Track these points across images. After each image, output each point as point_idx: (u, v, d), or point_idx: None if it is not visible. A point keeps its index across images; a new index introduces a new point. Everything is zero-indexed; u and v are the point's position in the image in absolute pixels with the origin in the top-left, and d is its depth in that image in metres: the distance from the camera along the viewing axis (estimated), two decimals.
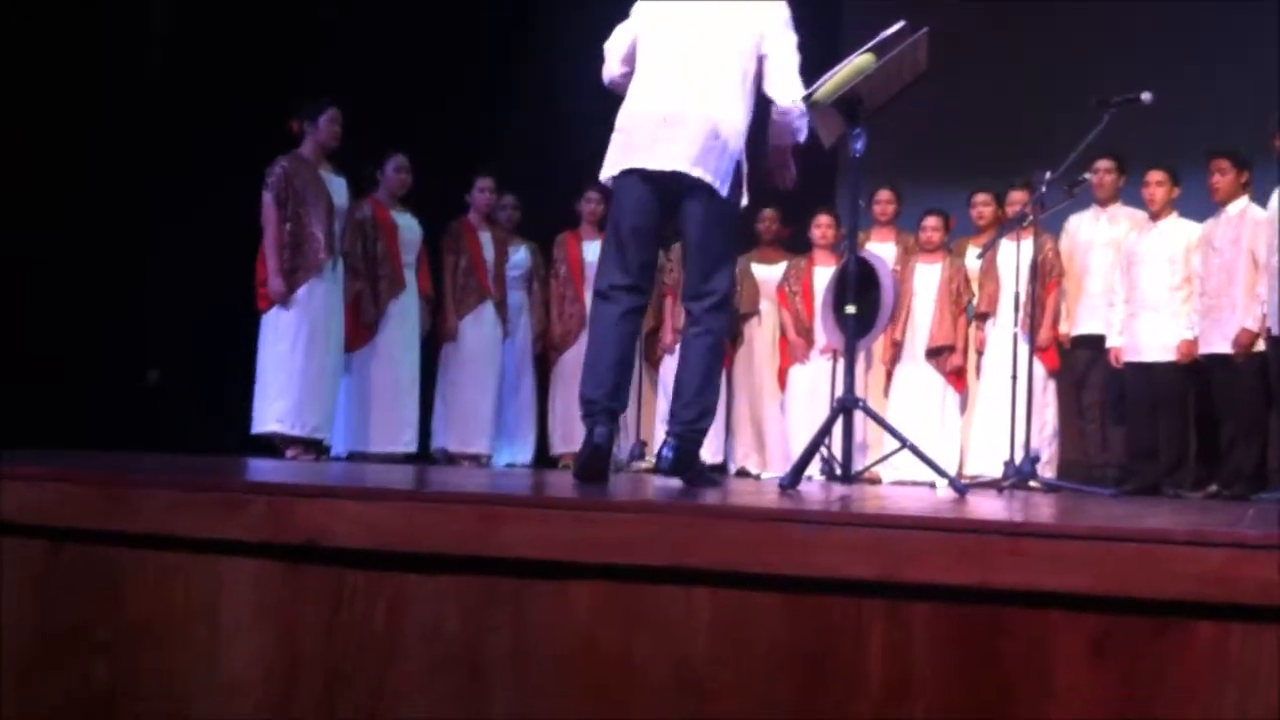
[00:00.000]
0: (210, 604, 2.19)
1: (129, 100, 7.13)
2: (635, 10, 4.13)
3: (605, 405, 3.83)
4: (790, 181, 4.18)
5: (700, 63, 3.90)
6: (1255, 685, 1.74)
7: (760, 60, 3.98)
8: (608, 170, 3.96)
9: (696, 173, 3.82)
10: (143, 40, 7.24)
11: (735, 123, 3.91)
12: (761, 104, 4.04)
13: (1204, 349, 6.80)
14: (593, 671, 2.00)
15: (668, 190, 3.88)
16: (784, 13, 4.03)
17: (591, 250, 7.87)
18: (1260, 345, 6.52)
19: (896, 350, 7.69)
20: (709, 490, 3.55)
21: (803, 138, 4.09)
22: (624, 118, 3.97)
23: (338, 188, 6.84)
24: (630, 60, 4.09)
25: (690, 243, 3.93)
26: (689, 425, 3.86)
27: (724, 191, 3.86)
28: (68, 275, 6.65)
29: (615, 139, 3.97)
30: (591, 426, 3.80)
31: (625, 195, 3.92)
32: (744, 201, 4.00)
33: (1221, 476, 6.80)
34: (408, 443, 7.18)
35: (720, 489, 3.72)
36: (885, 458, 4.70)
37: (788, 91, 3.99)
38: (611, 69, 4.16)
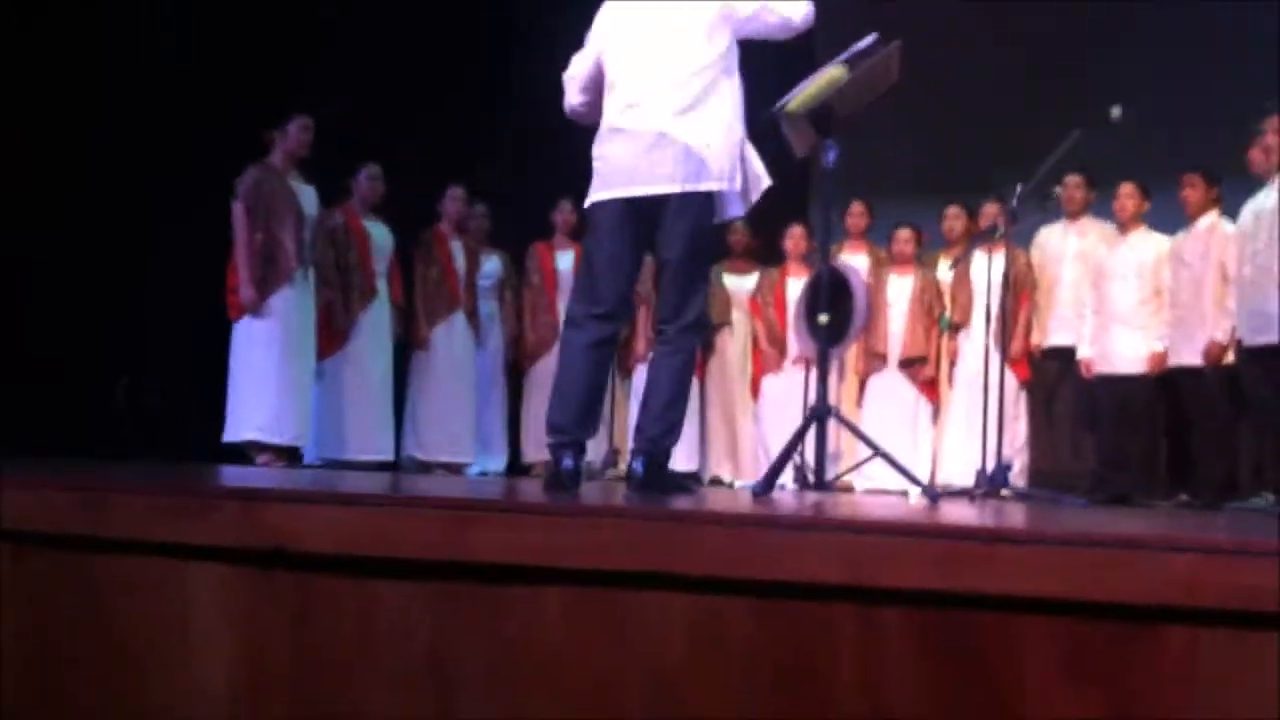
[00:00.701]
0: (180, 610, 2.17)
1: (111, 107, 7.10)
2: (591, 36, 4.03)
3: (573, 436, 3.78)
4: None
5: (674, 74, 3.80)
6: (1226, 690, 1.75)
7: (741, 27, 3.87)
8: (591, 197, 3.90)
9: (682, 188, 3.74)
10: (136, 47, 7.20)
11: (723, 125, 3.81)
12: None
13: (1174, 360, 6.84)
14: (566, 678, 1.99)
15: (650, 214, 3.80)
16: None
17: (564, 259, 7.87)
18: (1229, 357, 6.56)
19: (874, 361, 7.71)
20: (682, 497, 3.53)
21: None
22: (602, 144, 3.89)
23: (307, 197, 6.81)
24: (590, 89, 4.00)
25: (672, 262, 3.84)
26: (656, 442, 3.82)
27: (736, 186, 3.82)
28: (40, 283, 6.61)
29: (596, 166, 3.89)
30: (559, 459, 3.75)
31: (603, 222, 3.84)
32: (766, 183, 3.92)
33: (1192, 486, 6.83)
34: (381, 450, 7.16)
35: (694, 496, 3.71)
36: (858, 465, 4.72)
37: (796, 10, 3.89)
38: (571, 99, 4.08)
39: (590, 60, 4.00)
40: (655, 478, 3.79)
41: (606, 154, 3.87)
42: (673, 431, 3.86)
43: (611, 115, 3.89)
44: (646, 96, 3.81)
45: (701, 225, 3.82)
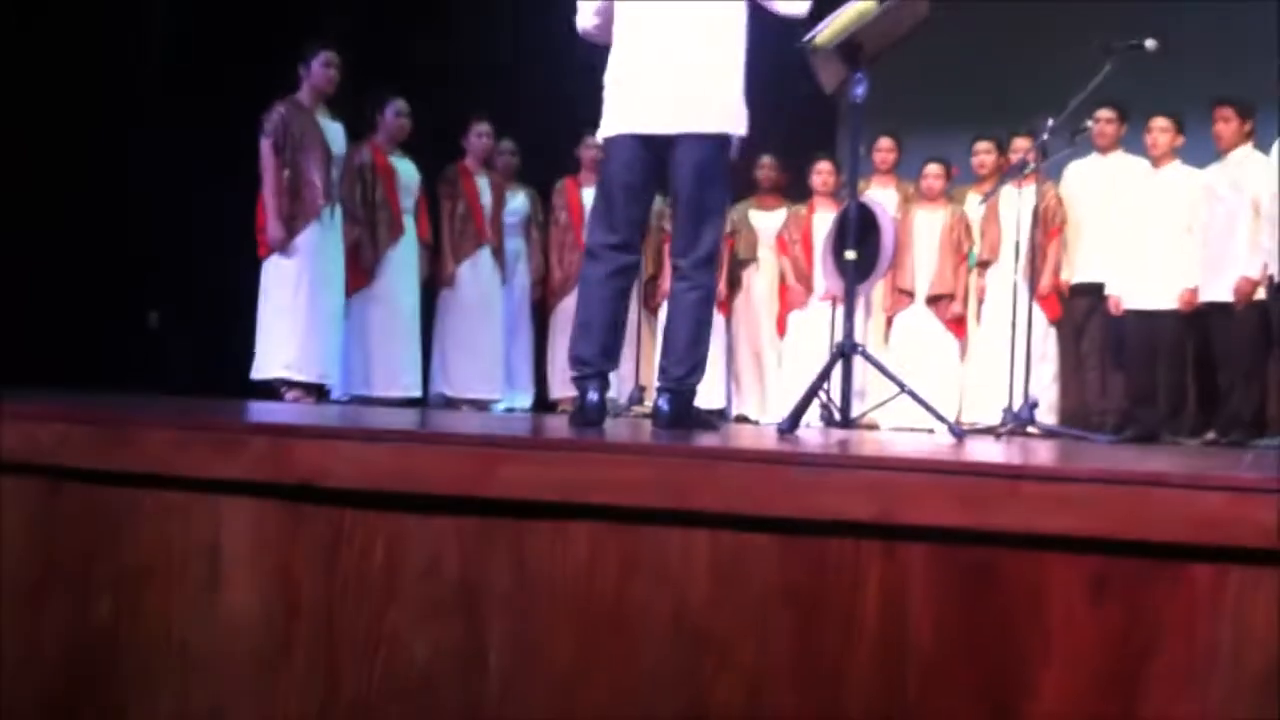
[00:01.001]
0: (210, 543, 2.19)
1: (134, 36, 7.10)
2: None
3: (597, 368, 3.82)
4: None
5: (676, 13, 3.83)
6: (1252, 628, 1.75)
7: None
8: (604, 131, 3.94)
9: (696, 128, 3.78)
10: None
11: (725, 63, 3.85)
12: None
13: (1204, 297, 6.79)
14: (590, 612, 2.01)
15: (662, 147, 3.84)
16: None
17: (591, 196, 7.84)
18: (1261, 294, 6.51)
19: (902, 298, 7.68)
20: (708, 434, 3.55)
21: None
22: (613, 76, 3.93)
23: (335, 134, 6.80)
24: (603, 13, 4.01)
25: (682, 198, 3.88)
26: (681, 381, 3.85)
27: (733, 130, 3.84)
28: (71, 217, 6.64)
29: (609, 97, 3.93)
30: (584, 390, 3.80)
31: (617, 153, 3.89)
32: (743, 131, 3.93)
33: (1220, 424, 6.81)
34: (408, 387, 7.19)
35: (719, 433, 3.72)
36: (884, 403, 4.71)
37: (796, 3, 3.93)
38: (585, 19, 4.09)
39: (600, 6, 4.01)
40: (681, 415, 3.81)
41: (616, 85, 3.91)
42: (697, 369, 3.88)
43: (622, 48, 3.92)
44: (657, 35, 3.83)
45: (710, 160, 3.83)
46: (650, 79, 3.82)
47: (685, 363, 3.85)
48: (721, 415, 7.81)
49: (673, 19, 3.83)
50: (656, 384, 3.93)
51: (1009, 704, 1.83)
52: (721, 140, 3.85)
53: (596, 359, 3.82)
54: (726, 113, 3.85)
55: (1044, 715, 1.81)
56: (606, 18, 4.00)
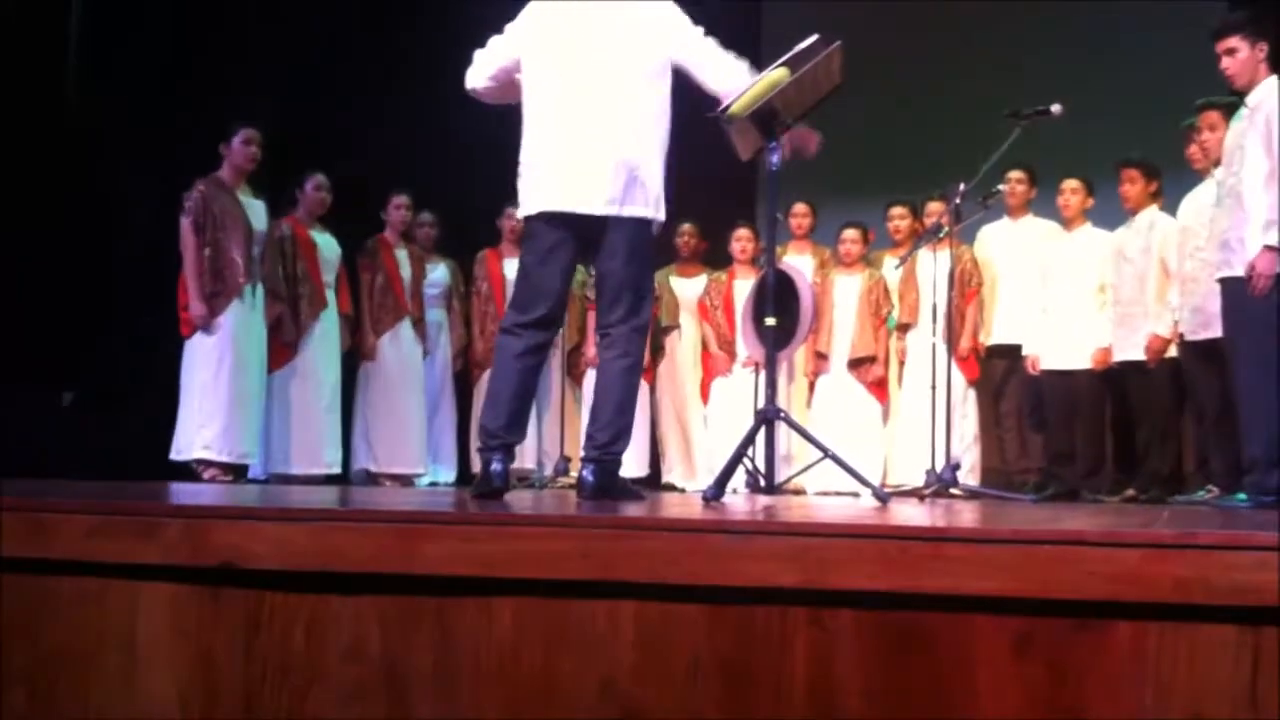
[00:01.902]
0: (127, 629, 2.15)
1: (50, 115, 7.04)
2: (514, 29, 4.01)
3: (502, 440, 3.82)
4: (814, 149, 4.12)
5: (606, 94, 3.82)
6: (1173, 683, 1.77)
7: (675, 68, 3.92)
8: (524, 209, 3.92)
9: (620, 212, 3.79)
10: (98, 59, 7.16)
11: (653, 148, 3.87)
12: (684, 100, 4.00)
13: (1118, 356, 6.91)
14: (517, 688, 1.99)
15: (586, 228, 3.83)
16: (672, 10, 3.94)
17: (512, 267, 7.81)
18: (1172, 351, 6.64)
19: (821, 362, 7.74)
20: (633, 504, 3.53)
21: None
22: (531, 156, 3.89)
23: (256, 211, 6.77)
24: (501, 78, 4.00)
25: (612, 276, 3.88)
26: (606, 449, 3.84)
27: (660, 216, 3.87)
28: None
29: (526, 176, 3.90)
30: (488, 461, 3.79)
31: (539, 235, 3.87)
32: (663, 219, 3.96)
33: (1138, 481, 6.90)
34: (330, 464, 7.12)
35: (644, 502, 3.71)
36: (808, 468, 4.73)
37: (731, 78, 3.92)
38: (477, 78, 4.06)
39: (509, 56, 3.98)
40: (606, 485, 3.80)
41: (535, 164, 3.88)
42: (622, 436, 3.88)
43: (544, 123, 3.88)
44: (578, 116, 3.82)
45: (642, 240, 3.86)
46: (583, 158, 3.79)
47: (611, 428, 3.85)
48: (647, 483, 7.79)
49: (601, 96, 3.81)
50: (582, 454, 3.92)
51: None
52: (648, 221, 3.88)
53: (501, 431, 3.82)
54: (655, 197, 3.86)
55: None
56: (504, 81, 3.99)
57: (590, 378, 7.62)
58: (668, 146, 3.94)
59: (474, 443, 7.88)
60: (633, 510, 2.81)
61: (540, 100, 3.90)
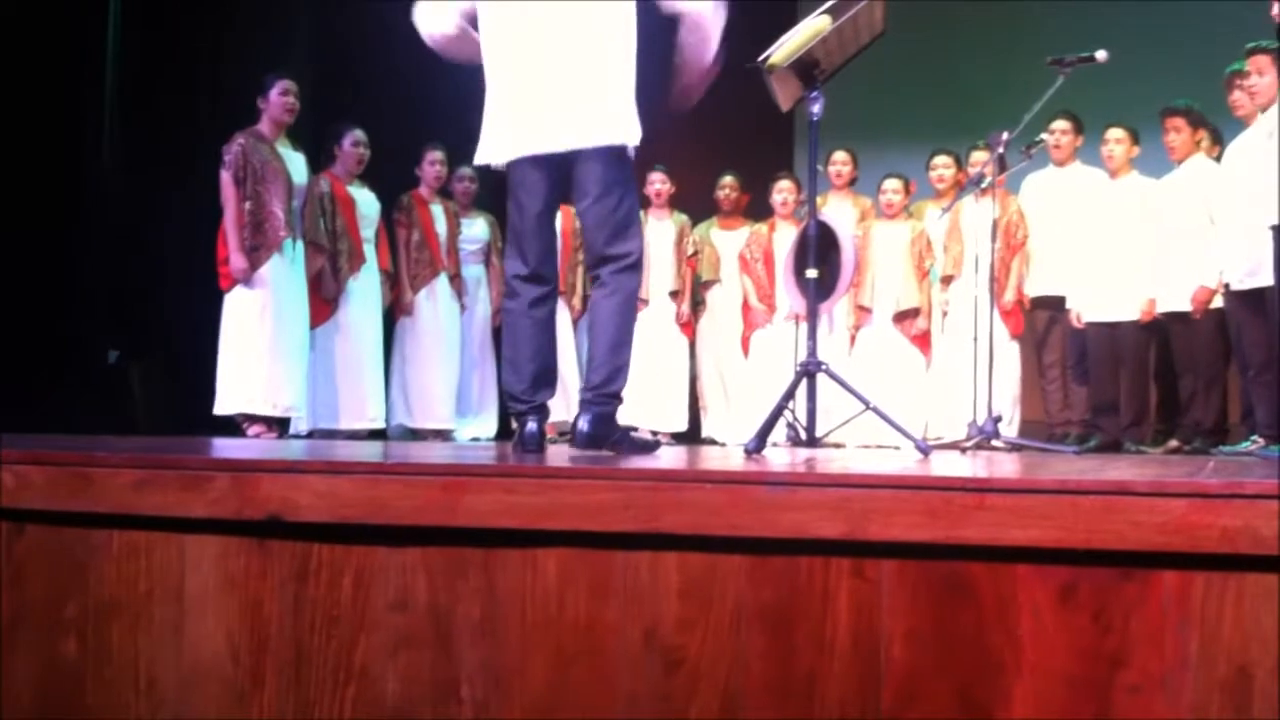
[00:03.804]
0: (176, 581, 2.18)
1: (90, 71, 7.08)
2: None
3: (530, 401, 3.69)
4: (692, 102, 3.88)
5: (565, 26, 3.64)
6: (1219, 633, 1.76)
7: None
8: (491, 155, 3.77)
9: (593, 142, 3.62)
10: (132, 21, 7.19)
11: (611, 70, 3.67)
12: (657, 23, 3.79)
13: (1163, 306, 6.85)
14: (562, 638, 2.01)
15: (561, 166, 3.69)
16: None
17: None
18: (1218, 301, 6.58)
19: (863, 314, 7.71)
20: (647, 455, 3.47)
21: (714, 47, 3.76)
22: (496, 99, 3.75)
23: (296, 164, 6.79)
24: (460, 24, 3.83)
25: (595, 210, 3.70)
26: (600, 390, 3.65)
27: (628, 140, 3.68)
28: (27, 255, 6.59)
29: (491, 120, 3.76)
30: (523, 423, 3.66)
31: (520, 182, 3.74)
32: (637, 141, 3.74)
33: (1182, 432, 6.86)
34: (373, 419, 7.17)
35: (648, 452, 3.63)
36: (849, 421, 4.72)
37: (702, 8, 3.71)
38: (435, 24, 3.87)
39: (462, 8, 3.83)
40: (602, 434, 3.63)
41: (499, 107, 3.75)
42: (617, 376, 3.69)
43: (499, 68, 3.75)
44: (540, 49, 3.67)
45: (616, 170, 3.68)
46: (540, 96, 3.65)
47: (604, 368, 3.66)
48: (691, 437, 7.82)
49: (554, 32, 3.65)
50: (580, 397, 3.76)
51: (984, 715, 1.84)
52: (619, 150, 3.69)
53: (526, 393, 3.69)
54: (621, 123, 3.67)
55: None
56: (463, 31, 3.84)
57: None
58: (633, 74, 3.72)
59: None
60: (675, 463, 2.82)
61: (493, 47, 3.77)
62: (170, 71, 7.23)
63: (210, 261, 6.60)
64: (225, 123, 6.75)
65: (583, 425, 3.64)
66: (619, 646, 1.98)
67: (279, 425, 6.64)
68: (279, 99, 6.67)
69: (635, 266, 3.75)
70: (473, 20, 3.83)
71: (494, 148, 3.77)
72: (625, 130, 3.69)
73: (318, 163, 7.09)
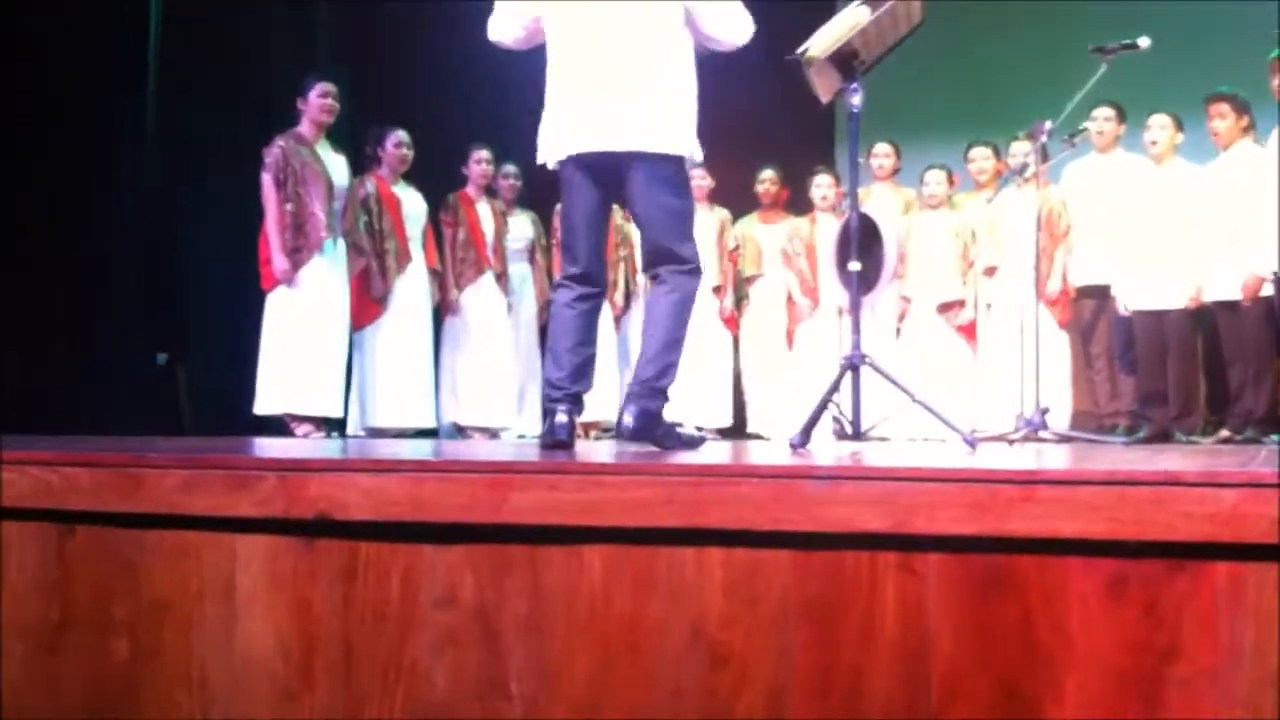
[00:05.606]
0: (226, 581, 2.19)
1: (132, 72, 7.14)
2: None
3: (566, 390, 3.76)
4: None
5: (620, 38, 3.75)
6: (1272, 625, 1.74)
7: (689, 16, 3.82)
8: (550, 154, 3.86)
9: (652, 148, 3.72)
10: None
11: (672, 85, 3.79)
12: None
13: (1210, 295, 6.77)
14: (608, 634, 2.01)
15: (615, 169, 3.77)
16: None
17: None
18: (1267, 289, 6.50)
19: (908, 306, 7.68)
20: (689, 452, 3.48)
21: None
22: (558, 99, 3.85)
23: (336, 165, 6.83)
24: (529, 25, 3.93)
25: (653, 214, 3.80)
26: (649, 383, 3.72)
27: (686, 153, 3.79)
28: (74, 260, 6.66)
29: (551, 119, 3.86)
30: (553, 413, 3.73)
31: (574, 183, 3.83)
32: (699, 159, 3.89)
33: (1232, 421, 6.78)
34: (422, 418, 7.19)
35: (694, 448, 3.65)
36: (894, 414, 4.70)
37: (739, 32, 3.87)
38: (505, 30, 3.99)
39: (529, 16, 3.93)
40: (647, 428, 3.69)
41: (560, 107, 3.84)
42: (668, 371, 3.75)
43: (563, 71, 3.85)
44: (600, 58, 3.77)
45: (664, 174, 3.77)
46: (599, 99, 3.75)
47: (656, 363, 3.73)
48: (735, 432, 7.82)
49: (616, 40, 3.75)
50: (627, 390, 3.83)
51: (1032, 709, 1.82)
52: (678, 160, 3.80)
53: (565, 381, 3.76)
54: (679, 132, 3.78)
55: (1068, 719, 1.81)
56: (533, 32, 3.94)
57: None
58: (693, 84, 3.85)
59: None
60: (719, 458, 2.81)
61: (559, 49, 3.86)
62: (211, 74, 7.28)
63: (252, 263, 6.65)
64: (266, 125, 6.80)
65: (628, 419, 3.70)
66: (664, 643, 1.98)
67: (327, 425, 6.68)
68: (318, 101, 6.71)
69: (697, 271, 3.86)
70: (539, 28, 3.94)
71: (554, 147, 3.85)
72: (687, 143, 3.81)
73: (360, 165, 7.12)
